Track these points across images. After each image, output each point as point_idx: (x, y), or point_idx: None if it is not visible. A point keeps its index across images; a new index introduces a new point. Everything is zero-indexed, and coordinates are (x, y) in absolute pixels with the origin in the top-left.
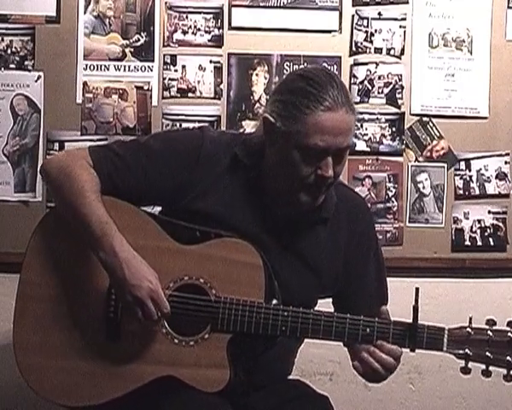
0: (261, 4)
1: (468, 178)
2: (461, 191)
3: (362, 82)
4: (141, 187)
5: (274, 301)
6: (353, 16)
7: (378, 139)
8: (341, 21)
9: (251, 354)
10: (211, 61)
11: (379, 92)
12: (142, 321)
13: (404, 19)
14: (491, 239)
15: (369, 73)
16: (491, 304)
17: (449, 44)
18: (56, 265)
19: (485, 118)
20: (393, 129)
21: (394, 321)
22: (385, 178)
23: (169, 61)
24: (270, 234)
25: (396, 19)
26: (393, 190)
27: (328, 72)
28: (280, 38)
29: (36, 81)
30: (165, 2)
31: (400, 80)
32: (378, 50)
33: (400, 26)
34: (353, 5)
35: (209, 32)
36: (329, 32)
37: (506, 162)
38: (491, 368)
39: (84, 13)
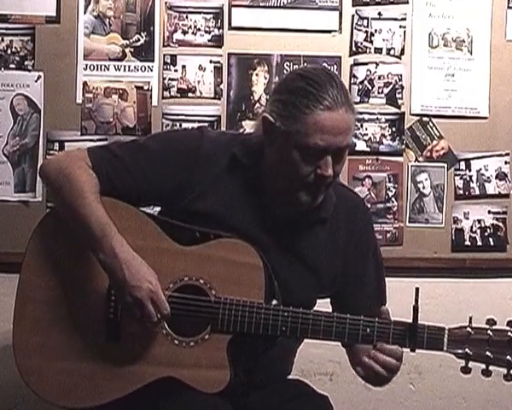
0: (261, 4)
1: (468, 178)
2: (461, 191)
3: (362, 82)
4: (140, 188)
5: (274, 302)
6: (353, 16)
7: (378, 139)
8: (341, 21)
9: (251, 354)
10: (211, 61)
11: (379, 92)
12: (141, 322)
13: (404, 19)
14: (491, 239)
15: (369, 73)
16: (491, 304)
17: (449, 44)
18: (56, 266)
19: (485, 118)
20: (393, 129)
21: (394, 321)
22: (385, 178)
23: (169, 61)
24: (269, 234)
25: (396, 19)
26: (393, 190)
27: (328, 71)
28: (280, 38)
29: (36, 81)
30: (165, 2)
31: (400, 80)
32: (378, 50)
33: (400, 26)
34: (353, 5)
35: (209, 32)
36: (329, 32)
37: (506, 162)
38: (491, 368)
39: (84, 13)
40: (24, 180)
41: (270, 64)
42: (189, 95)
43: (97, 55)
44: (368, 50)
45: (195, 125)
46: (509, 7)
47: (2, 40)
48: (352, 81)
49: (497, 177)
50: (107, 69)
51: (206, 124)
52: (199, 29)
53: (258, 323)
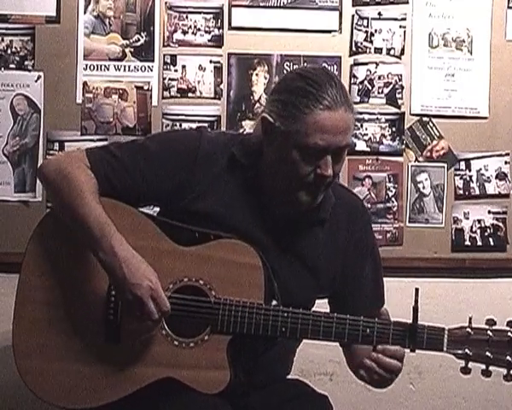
0: (261, 4)
1: (468, 178)
2: (461, 191)
3: (362, 82)
4: (139, 188)
5: (273, 302)
6: (353, 16)
7: (378, 139)
8: (341, 21)
9: (251, 354)
10: (211, 61)
11: (379, 92)
12: (142, 321)
13: (404, 19)
14: (491, 239)
15: (369, 73)
16: (490, 304)
17: (449, 44)
18: (55, 267)
19: (485, 118)
20: (393, 129)
21: (394, 322)
22: (385, 178)
23: (169, 61)
24: (268, 235)
25: (396, 19)
26: (393, 190)
27: (327, 71)
28: (280, 38)
29: (36, 81)
30: (165, 2)
31: (400, 80)
32: (378, 50)
33: (400, 26)
34: (353, 5)
35: (209, 32)
36: (329, 32)
37: (506, 162)
38: (491, 368)
39: (84, 13)
40: (24, 180)
41: (270, 64)
42: (189, 95)
43: (97, 55)
44: (368, 50)
45: (195, 125)
46: (509, 7)
47: (2, 40)
48: (352, 81)
49: (497, 177)
50: (107, 69)
51: (206, 124)
52: (199, 29)
53: (258, 323)
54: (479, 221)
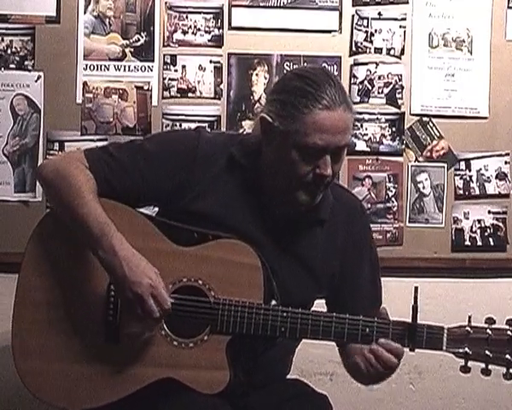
0: (261, 4)
1: (468, 178)
2: (461, 191)
3: (362, 82)
4: (138, 189)
5: (273, 302)
6: (353, 16)
7: (378, 139)
8: (341, 21)
9: (250, 354)
10: (211, 61)
11: (379, 92)
12: (142, 319)
13: (404, 19)
14: (491, 239)
15: (369, 73)
16: (490, 304)
17: (449, 44)
18: (55, 267)
19: (485, 118)
20: (393, 129)
21: (393, 321)
22: (385, 178)
23: (169, 61)
24: (268, 235)
25: (396, 19)
26: (393, 190)
27: (326, 71)
28: (280, 38)
29: (36, 81)
30: (165, 2)
31: (400, 80)
32: (378, 50)
33: (400, 26)
34: (353, 5)
35: (209, 32)
36: (329, 32)
37: (506, 162)
38: (490, 367)
39: (84, 13)
40: (24, 180)
41: (270, 64)
42: (189, 95)
43: (97, 55)
44: (368, 50)
45: (195, 125)
46: (509, 7)
47: (2, 40)
48: (352, 81)
49: (497, 177)
50: (107, 69)
51: (206, 124)
52: (199, 29)
53: (258, 323)
54: (479, 221)
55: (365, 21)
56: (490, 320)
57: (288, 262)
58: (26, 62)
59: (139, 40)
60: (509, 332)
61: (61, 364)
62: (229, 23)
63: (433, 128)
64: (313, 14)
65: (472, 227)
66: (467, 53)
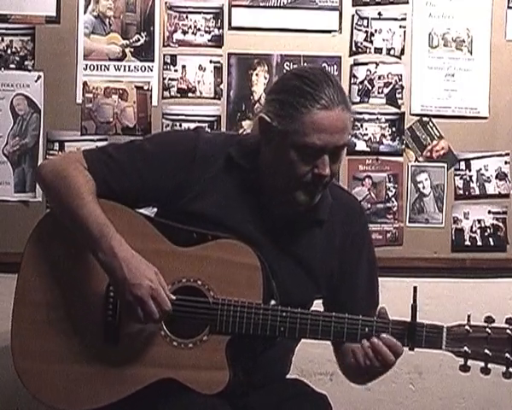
0: (261, 4)
1: (468, 178)
2: (461, 191)
3: (362, 82)
4: (137, 189)
5: (272, 302)
6: (353, 16)
7: (378, 139)
8: (341, 21)
9: (250, 354)
10: (211, 61)
11: (379, 92)
12: (142, 321)
13: (404, 19)
14: (491, 239)
15: (369, 73)
16: (490, 304)
17: (449, 44)
18: (54, 268)
19: (485, 118)
20: (393, 129)
21: (393, 320)
22: (385, 178)
23: (169, 61)
24: (267, 235)
25: (396, 19)
26: (393, 190)
27: (324, 70)
28: (280, 38)
29: (36, 81)
30: (165, 2)
31: (400, 80)
32: (378, 50)
33: (400, 26)
34: (353, 5)
35: (209, 32)
36: (329, 32)
37: (506, 162)
38: (489, 365)
39: (84, 13)
40: (24, 180)
41: (270, 64)
42: (189, 95)
43: (97, 55)
44: (368, 50)
45: (195, 125)
46: (509, 7)
47: (2, 40)
48: (352, 81)
49: (497, 177)
50: (107, 69)
51: (206, 124)
52: (199, 29)
53: (257, 323)
54: (479, 221)
55: (365, 21)
56: (489, 319)
57: (287, 262)
58: (26, 62)
59: (139, 40)
60: (508, 331)
61: (61, 364)
62: (229, 23)
63: (433, 128)
64: (313, 14)
65: (472, 227)
66: (467, 53)
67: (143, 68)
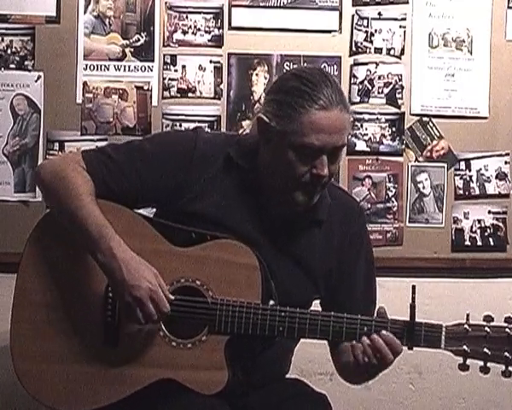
0: (261, 4)
1: (468, 178)
2: (461, 191)
3: (362, 82)
4: (136, 190)
5: (271, 302)
6: (353, 16)
7: (378, 139)
8: (341, 21)
9: (249, 354)
10: (211, 61)
11: (379, 92)
12: (141, 322)
13: (404, 19)
14: (491, 239)
15: (369, 73)
16: (490, 304)
17: (449, 44)
18: (53, 269)
19: (485, 118)
20: (393, 129)
21: (392, 319)
22: (385, 178)
23: (169, 61)
24: (265, 235)
25: (396, 19)
26: (393, 190)
27: (322, 71)
28: (280, 38)
29: (36, 81)
30: (165, 2)
31: (400, 80)
32: (378, 50)
33: (400, 26)
34: (353, 5)
35: (209, 32)
36: (329, 32)
37: (506, 162)
38: (488, 364)
39: (84, 13)
40: (24, 180)
41: (270, 64)
42: (189, 95)
43: (97, 55)
44: (368, 50)
45: (195, 125)
46: (509, 7)
47: (2, 40)
48: (352, 81)
49: (497, 177)
50: (107, 69)
51: (206, 124)
52: (199, 29)
53: (256, 323)
54: (479, 221)
55: (365, 21)
56: (488, 318)
57: (286, 262)
58: (26, 62)
59: (139, 40)
60: (507, 330)
61: (60, 365)
62: (229, 23)
63: (433, 128)
64: (313, 14)
65: (472, 227)
66: (467, 53)
67: (143, 68)
